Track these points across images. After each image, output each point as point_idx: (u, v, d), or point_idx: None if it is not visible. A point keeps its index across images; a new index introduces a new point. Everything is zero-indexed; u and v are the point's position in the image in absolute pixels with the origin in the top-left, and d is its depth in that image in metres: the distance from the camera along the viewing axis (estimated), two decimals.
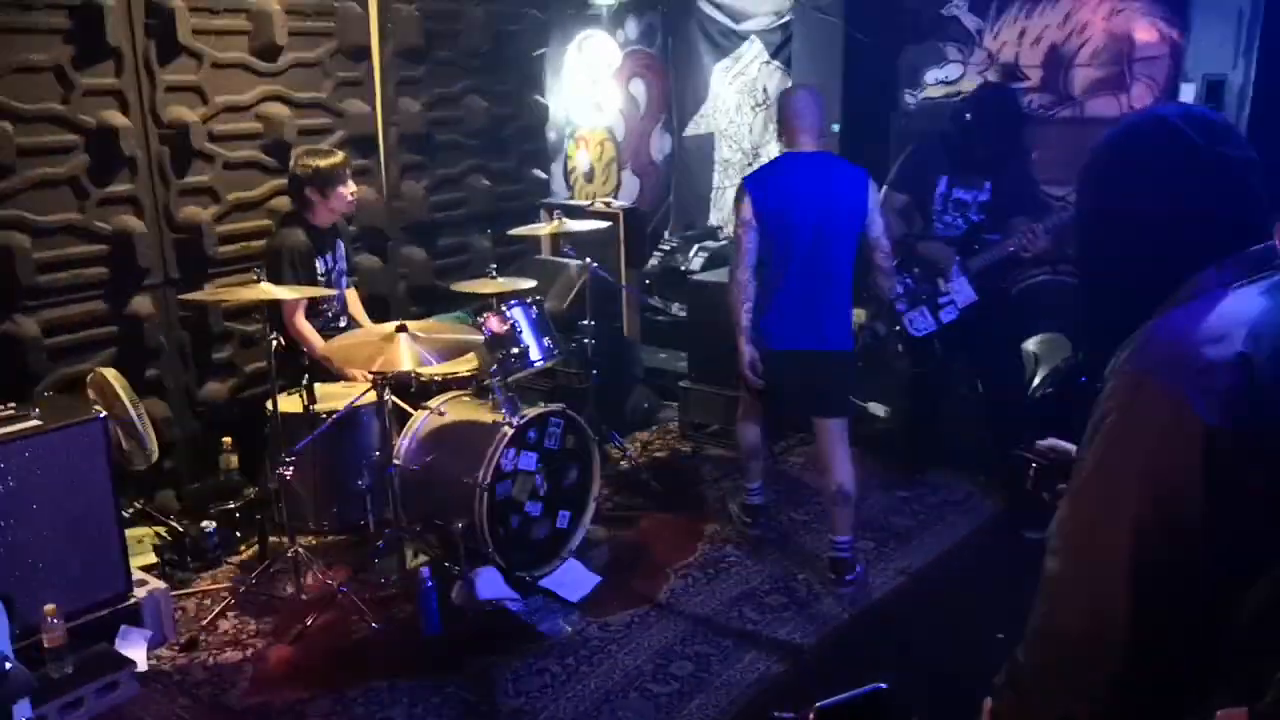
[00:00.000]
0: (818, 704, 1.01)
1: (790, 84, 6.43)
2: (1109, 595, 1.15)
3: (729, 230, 7.04)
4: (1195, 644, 1.13)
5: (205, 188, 4.47)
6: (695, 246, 6.51)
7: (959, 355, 4.58)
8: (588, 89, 6.40)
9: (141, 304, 4.27)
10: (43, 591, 3.21)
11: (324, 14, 4.84)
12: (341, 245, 4.51)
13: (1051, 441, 1.74)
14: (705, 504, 4.73)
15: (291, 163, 4.31)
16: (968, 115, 4.19)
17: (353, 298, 4.70)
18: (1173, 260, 1.30)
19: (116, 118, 4.11)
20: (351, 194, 4.35)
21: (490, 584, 3.78)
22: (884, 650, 3.63)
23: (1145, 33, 5.19)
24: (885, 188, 4.36)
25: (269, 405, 3.85)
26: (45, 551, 3.26)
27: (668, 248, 6.68)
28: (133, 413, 3.70)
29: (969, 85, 5.80)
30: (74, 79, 4.00)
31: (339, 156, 4.31)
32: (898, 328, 4.49)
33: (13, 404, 3.33)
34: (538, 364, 4.18)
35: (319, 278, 4.29)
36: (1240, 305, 1.21)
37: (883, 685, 1.03)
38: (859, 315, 6.28)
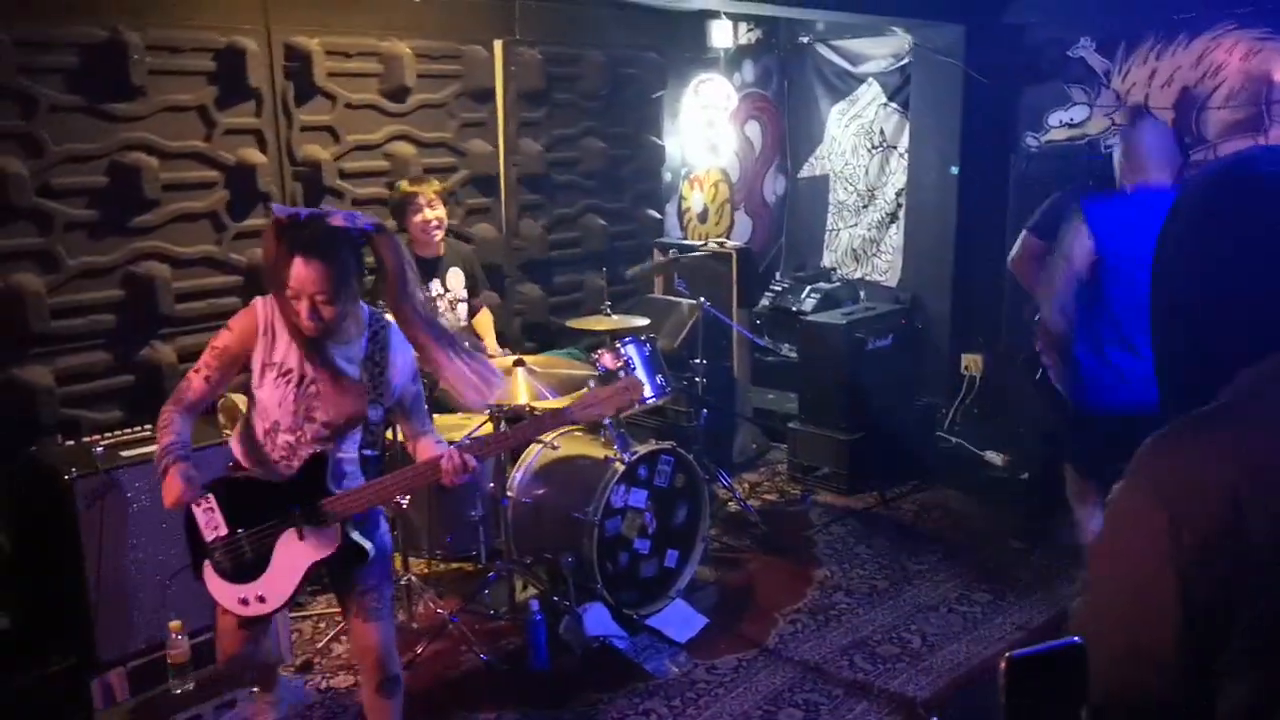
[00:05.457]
0: (1010, 653, 0.97)
1: (907, 126, 6.38)
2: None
3: (842, 271, 6.97)
4: None
5: None
6: (808, 288, 6.45)
7: None
8: (704, 131, 6.44)
9: None
10: (168, 608, 3.35)
11: (451, 57, 5.00)
12: (455, 274, 4.58)
13: None
14: (815, 548, 4.64)
15: None
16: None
17: (482, 322, 4.75)
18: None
19: (255, 155, 4.30)
20: (425, 222, 4.37)
21: (598, 620, 3.77)
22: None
23: None
24: (1024, 232, 4.23)
25: (388, 435, 3.93)
26: (171, 569, 3.36)
27: (779, 288, 6.63)
28: None
29: (1096, 127, 5.65)
30: (216, 118, 4.21)
31: (419, 185, 4.38)
32: (1040, 377, 4.28)
33: (148, 426, 3.48)
34: (650, 401, 4.18)
35: None
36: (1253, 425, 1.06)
37: (1077, 639, 0.98)
38: (973, 362, 6.17)
